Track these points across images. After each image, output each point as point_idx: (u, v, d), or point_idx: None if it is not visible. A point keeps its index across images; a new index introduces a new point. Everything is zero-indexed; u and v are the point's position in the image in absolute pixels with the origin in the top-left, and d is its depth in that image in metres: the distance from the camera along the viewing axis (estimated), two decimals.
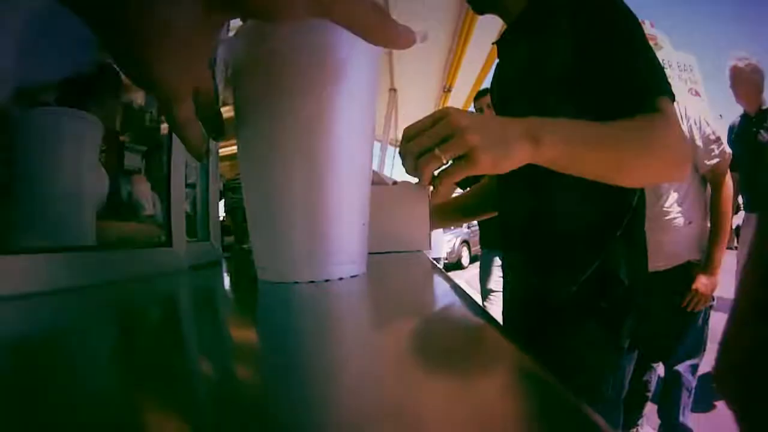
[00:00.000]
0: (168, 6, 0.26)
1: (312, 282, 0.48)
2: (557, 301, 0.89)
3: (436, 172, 0.62)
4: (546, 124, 0.64)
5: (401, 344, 0.27)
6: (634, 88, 0.75)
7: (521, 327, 0.99)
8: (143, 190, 1.26)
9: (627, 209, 0.87)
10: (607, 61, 0.78)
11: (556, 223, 0.88)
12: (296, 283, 0.48)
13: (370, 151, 0.53)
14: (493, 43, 1.09)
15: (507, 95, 1.02)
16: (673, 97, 0.76)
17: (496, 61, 1.13)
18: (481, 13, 1.04)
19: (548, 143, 0.62)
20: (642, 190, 0.90)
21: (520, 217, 0.98)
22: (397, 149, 0.65)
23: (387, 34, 0.36)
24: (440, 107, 4.95)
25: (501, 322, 0.31)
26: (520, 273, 1.01)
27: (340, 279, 0.49)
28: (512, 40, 0.98)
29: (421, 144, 0.59)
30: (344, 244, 0.49)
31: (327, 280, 0.48)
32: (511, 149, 0.60)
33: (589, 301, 0.86)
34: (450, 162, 0.60)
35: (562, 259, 0.89)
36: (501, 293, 2.61)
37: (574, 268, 0.87)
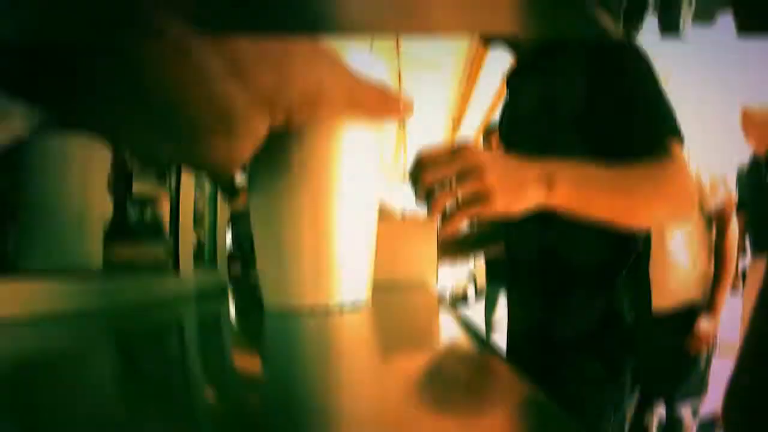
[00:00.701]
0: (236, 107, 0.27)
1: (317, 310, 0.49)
2: (561, 338, 0.88)
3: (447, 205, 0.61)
4: (561, 167, 0.63)
5: (405, 377, 0.27)
6: (645, 131, 0.76)
7: (523, 361, 0.97)
8: (152, 215, 1.26)
9: (634, 248, 0.87)
10: (619, 103, 0.78)
11: (565, 259, 0.87)
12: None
13: (375, 187, 0.54)
14: (504, 78, 1.09)
15: (516, 133, 1.02)
16: (683, 140, 0.76)
17: (506, 96, 1.13)
18: (489, 43, 1.06)
19: (562, 188, 0.62)
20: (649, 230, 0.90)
21: (527, 252, 0.97)
22: (408, 171, 0.63)
23: (392, 114, 0.40)
24: (450, 139, 5.00)
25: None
26: (525, 306, 1.00)
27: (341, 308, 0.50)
28: (523, 76, 0.99)
29: (437, 175, 0.58)
30: (350, 276, 0.50)
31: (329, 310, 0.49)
32: (525, 193, 0.60)
33: (594, 338, 0.86)
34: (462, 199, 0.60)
35: (568, 295, 0.89)
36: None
37: (580, 305, 0.87)
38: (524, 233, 0.97)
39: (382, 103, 0.38)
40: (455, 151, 0.59)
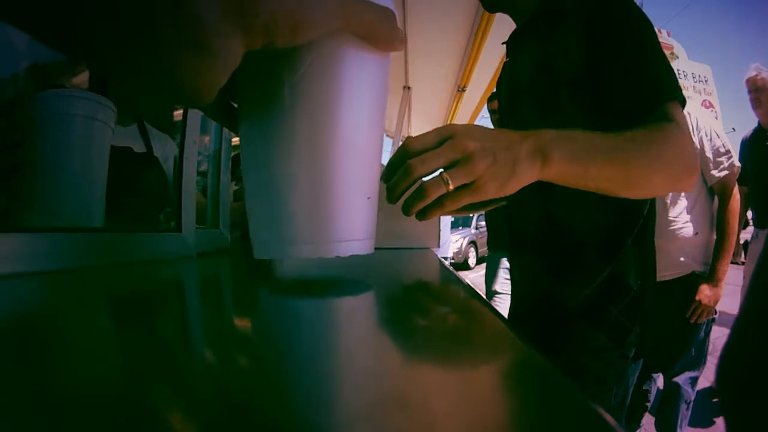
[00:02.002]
0: (206, 29, 0.25)
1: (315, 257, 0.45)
2: (566, 307, 0.88)
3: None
4: (555, 139, 0.60)
5: (408, 340, 0.28)
6: (645, 92, 0.74)
7: (528, 331, 0.97)
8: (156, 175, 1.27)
9: (639, 215, 0.86)
10: (619, 64, 0.76)
11: (569, 228, 0.87)
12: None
13: (381, 125, 0.49)
14: (502, 43, 1.08)
15: (517, 95, 1.00)
16: (683, 102, 0.75)
17: (506, 61, 1.11)
18: (494, 11, 1.03)
19: (556, 160, 0.59)
20: (653, 198, 0.89)
21: (530, 221, 0.97)
22: (391, 162, 0.58)
23: (392, 41, 0.37)
24: (454, 107, 4.95)
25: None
26: (529, 276, 1.00)
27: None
28: (523, 40, 0.98)
29: (427, 164, 0.55)
30: (349, 220, 0.46)
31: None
32: (519, 171, 0.57)
33: (599, 307, 0.86)
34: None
35: (573, 264, 0.88)
36: (506, 295, 2.61)
37: (586, 274, 0.86)
38: (525, 202, 0.97)
39: (381, 23, 0.35)
40: (444, 137, 0.56)
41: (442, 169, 0.55)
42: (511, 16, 1.02)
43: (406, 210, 0.57)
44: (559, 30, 0.85)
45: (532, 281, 0.98)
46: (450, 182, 0.54)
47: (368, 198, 0.48)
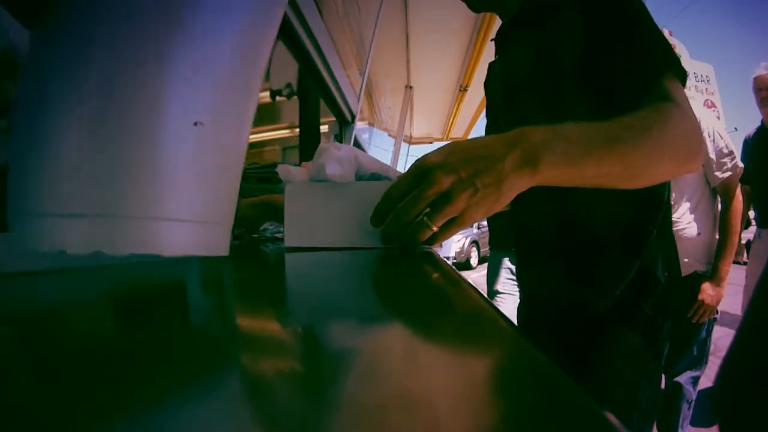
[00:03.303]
0: None
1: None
2: (594, 310, 0.81)
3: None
4: (545, 142, 0.56)
5: (413, 339, 0.28)
6: (639, 71, 0.70)
7: (551, 340, 0.88)
8: None
9: (661, 203, 0.80)
10: (613, 46, 0.72)
11: (587, 224, 0.81)
12: None
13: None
14: (491, 40, 1.02)
15: (514, 93, 0.94)
16: (682, 74, 0.71)
17: (492, 61, 1.09)
18: (479, 11, 0.99)
19: (547, 166, 0.56)
20: (668, 183, 0.85)
21: (542, 220, 0.90)
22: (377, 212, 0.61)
23: None
24: (456, 106, 4.95)
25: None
26: (546, 282, 0.91)
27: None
28: (515, 34, 0.93)
29: (409, 213, 0.55)
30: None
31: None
32: (505, 190, 0.55)
33: (631, 306, 0.80)
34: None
35: (598, 263, 0.81)
36: (508, 295, 2.61)
37: (613, 273, 0.80)
38: (534, 199, 0.81)
39: None
40: (417, 177, 0.55)
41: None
42: (498, 14, 0.99)
43: (403, 252, 0.59)
44: (553, 18, 0.81)
45: (550, 287, 0.90)
46: (433, 225, 0.55)
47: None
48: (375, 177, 0.80)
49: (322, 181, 0.72)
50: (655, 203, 0.80)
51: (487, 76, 1.14)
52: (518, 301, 1.09)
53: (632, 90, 0.69)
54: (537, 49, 0.84)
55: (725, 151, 1.80)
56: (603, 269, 0.80)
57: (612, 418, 0.15)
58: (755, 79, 2.34)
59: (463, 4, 0.98)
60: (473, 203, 0.54)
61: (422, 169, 0.55)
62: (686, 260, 1.85)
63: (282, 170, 0.75)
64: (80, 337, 0.27)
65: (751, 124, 2.52)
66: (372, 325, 0.30)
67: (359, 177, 0.78)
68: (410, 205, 0.55)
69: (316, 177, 0.73)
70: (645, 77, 0.69)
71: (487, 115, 1.17)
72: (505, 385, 0.20)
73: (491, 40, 1.03)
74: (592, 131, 0.60)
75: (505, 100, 0.97)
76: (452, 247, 9.79)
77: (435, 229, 0.55)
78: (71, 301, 0.38)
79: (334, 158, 0.71)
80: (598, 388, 0.80)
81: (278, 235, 1.30)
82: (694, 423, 1.97)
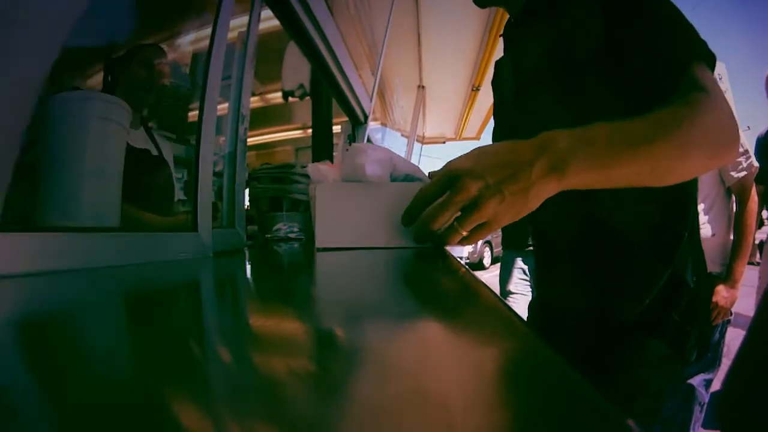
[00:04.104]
0: None
1: None
2: (621, 319, 0.76)
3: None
4: (572, 147, 0.56)
5: (428, 336, 0.28)
6: (667, 60, 0.66)
7: (572, 349, 0.80)
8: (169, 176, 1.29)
9: (689, 201, 0.76)
10: (639, 34, 0.68)
11: (614, 228, 0.76)
12: None
13: None
14: (500, 36, 0.99)
15: (526, 89, 0.91)
16: (711, 59, 0.67)
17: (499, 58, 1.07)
18: (484, 6, 0.97)
19: (574, 171, 0.56)
20: (696, 179, 0.81)
21: (564, 224, 0.84)
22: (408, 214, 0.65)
23: None
24: (469, 106, 4.93)
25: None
26: (568, 288, 0.86)
27: None
28: (525, 27, 0.89)
29: (439, 219, 0.59)
30: None
31: None
32: (532, 196, 0.56)
33: (659, 314, 0.74)
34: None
35: (625, 271, 0.77)
36: (521, 295, 2.59)
37: (643, 281, 0.75)
38: (557, 203, 0.71)
39: None
40: (447, 182, 0.57)
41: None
42: (505, 8, 0.96)
43: (436, 250, 0.64)
44: (568, 6, 0.77)
45: (572, 294, 0.85)
46: (462, 230, 0.58)
47: None
48: (408, 178, 0.80)
49: (353, 181, 0.73)
50: (682, 202, 0.76)
51: (494, 74, 1.11)
52: (530, 300, 1.07)
53: (662, 80, 0.66)
54: (551, 39, 0.80)
55: (741, 150, 1.78)
56: (632, 278, 0.76)
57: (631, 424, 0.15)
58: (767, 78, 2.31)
59: (473, 4, 0.97)
60: (501, 210, 0.56)
61: (451, 175, 0.57)
62: None
63: (312, 170, 0.76)
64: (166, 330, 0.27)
65: (762, 123, 2.49)
66: (391, 324, 0.30)
67: (393, 178, 0.78)
68: (439, 210, 0.58)
69: (351, 177, 0.73)
70: (674, 67, 0.65)
71: (495, 116, 1.14)
72: (523, 386, 0.20)
73: (500, 36, 1.00)
74: (617, 133, 0.58)
75: (518, 96, 0.94)
76: (465, 247, 9.77)
77: (464, 233, 0.59)
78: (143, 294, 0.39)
79: (372, 159, 0.72)
80: (621, 398, 0.75)
81: (291, 236, 1.30)
82: (705, 425, 1.94)
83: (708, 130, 0.60)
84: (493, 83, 1.12)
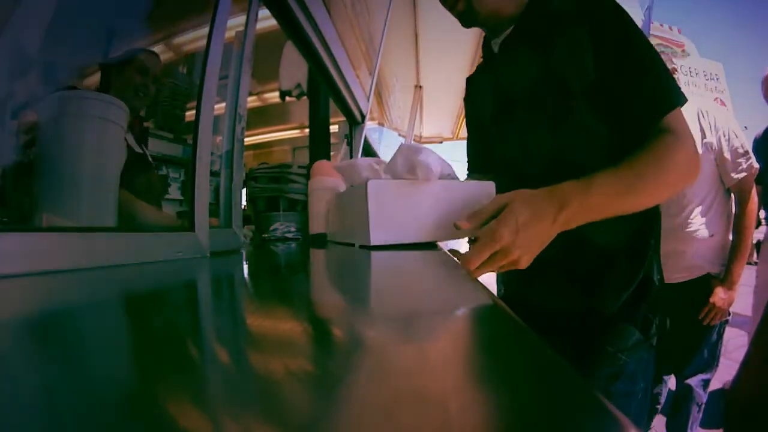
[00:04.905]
0: None
1: None
2: (602, 313, 0.90)
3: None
4: (580, 210, 0.72)
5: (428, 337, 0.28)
6: (648, 104, 0.80)
7: (559, 341, 0.82)
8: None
9: (658, 215, 0.92)
10: (624, 77, 0.81)
11: (597, 243, 0.88)
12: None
13: None
14: (482, 57, 1.08)
15: (508, 108, 0.98)
16: (684, 102, 0.80)
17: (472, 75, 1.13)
18: (470, 26, 0.99)
19: (575, 218, 0.72)
20: None
21: (552, 242, 0.88)
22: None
23: None
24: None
25: None
26: (555, 294, 0.96)
27: None
28: (510, 52, 0.96)
29: (482, 270, 0.70)
30: None
31: None
32: (544, 243, 0.72)
33: (633, 306, 0.89)
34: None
35: (608, 276, 0.90)
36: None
37: (621, 282, 0.89)
38: None
39: None
40: (492, 246, 0.68)
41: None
42: (486, 30, 1.02)
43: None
44: (558, 36, 0.86)
45: (559, 299, 0.96)
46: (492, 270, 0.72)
47: None
48: (444, 177, 0.86)
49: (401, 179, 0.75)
50: (651, 216, 0.90)
51: (468, 91, 1.18)
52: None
53: (641, 123, 0.81)
54: (541, 69, 0.89)
55: (740, 151, 1.76)
56: (613, 278, 0.89)
57: (616, 411, 0.16)
58: (765, 78, 2.31)
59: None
60: (524, 256, 0.71)
61: (498, 241, 0.68)
62: (699, 262, 1.82)
63: (366, 166, 0.77)
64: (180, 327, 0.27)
65: (760, 123, 2.49)
66: (398, 325, 0.30)
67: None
68: (484, 265, 0.69)
69: (404, 175, 0.75)
70: (653, 113, 0.80)
71: (471, 130, 1.20)
72: (526, 386, 0.20)
73: (482, 57, 1.07)
74: (611, 188, 0.74)
75: (498, 115, 1.01)
76: (461, 248, 9.75)
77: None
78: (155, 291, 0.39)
79: (434, 159, 0.76)
80: (605, 378, 0.88)
81: (288, 235, 1.30)
82: (703, 424, 1.95)
83: (674, 169, 0.76)
84: (466, 100, 1.19)
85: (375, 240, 0.72)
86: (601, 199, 0.73)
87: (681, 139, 0.78)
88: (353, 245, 0.84)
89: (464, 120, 1.27)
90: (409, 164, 0.76)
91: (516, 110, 0.95)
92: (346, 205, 0.84)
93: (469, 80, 1.17)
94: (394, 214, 0.74)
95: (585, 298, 0.91)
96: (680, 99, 0.80)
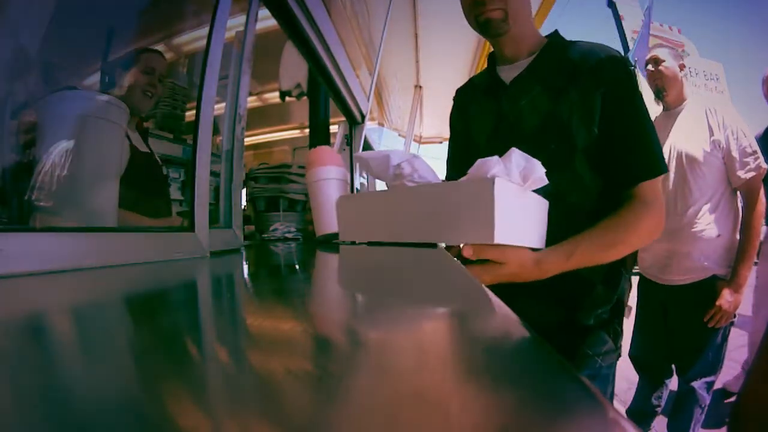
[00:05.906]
0: None
1: None
2: (583, 325, 1.00)
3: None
4: (558, 270, 0.86)
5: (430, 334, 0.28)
6: (633, 170, 0.91)
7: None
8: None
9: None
10: (621, 143, 0.91)
11: (578, 274, 0.92)
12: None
13: None
14: (486, 74, 1.12)
15: (507, 135, 1.03)
16: (665, 172, 0.93)
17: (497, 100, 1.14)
18: (493, 37, 1.03)
19: (552, 271, 0.85)
20: None
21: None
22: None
23: None
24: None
25: None
26: (537, 311, 1.02)
27: None
28: (522, 84, 1.00)
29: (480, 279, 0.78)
30: None
31: None
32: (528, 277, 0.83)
33: (606, 321, 1.01)
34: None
35: (586, 299, 0.99)
36: None
37: (598, 304, 1.00)
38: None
39: None
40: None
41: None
42: (498, 54, 1.07)
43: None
44: (572, 86, 0.93)
45: (545, 311, 1.03)
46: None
47: None
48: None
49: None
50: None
51: (458, 103, 1.22)
52: None
53: (621, 184, 0.93)
54: (550, 111, 0.96)
55: (749, 150, 1.73)
56: (591, 300, 1.00)
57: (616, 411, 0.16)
58: (765, 77, 2.30)
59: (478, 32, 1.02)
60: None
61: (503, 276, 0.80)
62: (705, 264, 1.79)
63: (496, 165, 0.76)
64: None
65: (760, 123, 2.49)
66: (391, 321, 0.30)
67: None
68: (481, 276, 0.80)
69: (521, 181, 0.77)
70: (635, 177, 0.92)
71: (455, 146, 1.22)
72: (527, 386, 0.20)
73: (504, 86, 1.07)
74: (586, 256, 0.87)
75: (493, 141, 1.06)
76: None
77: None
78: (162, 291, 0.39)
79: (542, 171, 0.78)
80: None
81: (288, 235, 1.30)
82: (704, 425, 1.94)
83: (642, 233, 0.90)
84: (455, 111, 1.22)
85: (499, 239, 0.71)
86: (578, 262, 0.86)
87: (649, 205, 0.90)
88: (431, 246, 0.85)
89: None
90: (524, 171, 0.76)
91: (517, 143, 0.94)
92: (427, 201, 0.81)
93: (460, 92, 1.21)
94: (513, 215, 0.75)
95: (567, 311, 1.00)
96: (662, 169, 0.91)
